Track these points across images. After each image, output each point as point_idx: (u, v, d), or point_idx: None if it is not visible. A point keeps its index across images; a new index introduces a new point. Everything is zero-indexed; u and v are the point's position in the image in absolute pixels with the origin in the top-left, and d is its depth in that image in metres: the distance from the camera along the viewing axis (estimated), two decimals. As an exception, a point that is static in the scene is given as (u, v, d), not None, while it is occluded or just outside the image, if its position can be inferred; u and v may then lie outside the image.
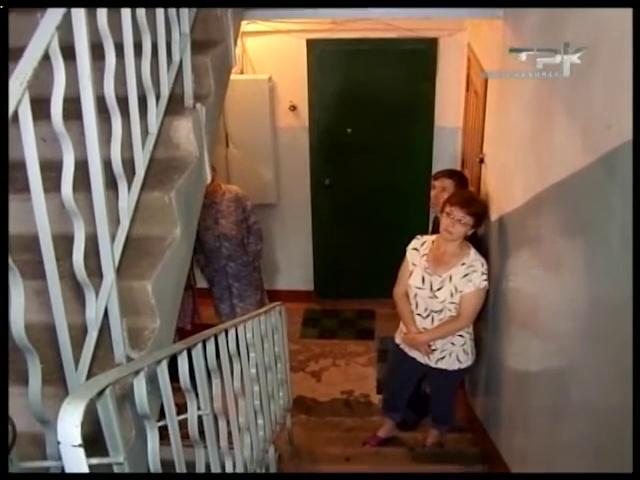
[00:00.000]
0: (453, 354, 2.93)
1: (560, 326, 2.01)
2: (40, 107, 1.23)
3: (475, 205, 2.78)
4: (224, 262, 3.96)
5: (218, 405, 1.87)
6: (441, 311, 2.82)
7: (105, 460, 1.15)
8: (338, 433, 3.79)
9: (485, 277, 2.74)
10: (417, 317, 2.89)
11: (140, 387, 1.25)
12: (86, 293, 1.41)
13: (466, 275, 2.74)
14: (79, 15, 1.25)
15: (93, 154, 1.37)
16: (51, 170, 1.36)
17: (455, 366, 2.96)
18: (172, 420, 1.46)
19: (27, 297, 1.17)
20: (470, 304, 2.77)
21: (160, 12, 1.81)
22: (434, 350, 2.93)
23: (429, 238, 2.91)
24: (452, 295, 2.77)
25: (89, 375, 1.42)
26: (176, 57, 1.97)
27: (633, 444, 1.21)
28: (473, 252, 2.79)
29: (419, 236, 2.94)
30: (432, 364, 2.98)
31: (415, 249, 2.89)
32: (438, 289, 2.79)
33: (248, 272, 4.06)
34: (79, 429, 0.92)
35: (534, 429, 2.36)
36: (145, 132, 1.75)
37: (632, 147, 1.30)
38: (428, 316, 2.86)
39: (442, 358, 2.95)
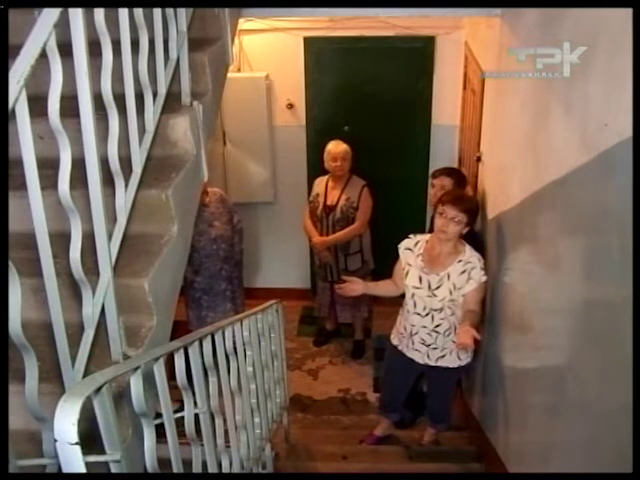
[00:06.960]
0: (454, 352, 2.93)
1: (557, 324, 2.02)
2: (37, 105, 1.23)
3: (466, 202, 2.78)
4: (219, 265, 3.86)
5: (215, 403, 1.87)
6: (441, 310, 2.82)
7: (102, 458, 1.15)
8: (335, 431, 3.80)
9: (484, 272, 2.74)
10: (416, 316, 2.88)
11: (137, 385, 1.25)
12: (83, 291, 1.41)
13: (464, 272, 2.74)
14: (76, 12, 1.25)
15: (90, 152, 1.36)
16: (48, 168, 1.36)
17: (455, 364, 2.97)
18: (169, 418, 1.46)
19: (24, 295, 1.17)
20: (476, 300, 2.77)
21: (157, 9, 1.81)
22: (435, 348, 2.93)
23: (423, 238, 2.90)
24: (451, 293, 2.76)
25: (86, 373, 1.42)
26: (173, 54, 1.96)
27: (633, 444, 1.21)
28: (468, 249, 2.79)
29: (411, 235, 2.93)
30: (432, 363, 2.97)
31: (409, 249, 2.88)
32: (437, 287, 2.79)
33: (239, 272, 4.05)
34: (76, 427, 0.92)
35: (531, 427, 2.36)
36: (142, 130, 1.75)
37: (632, 145, 1.30)
38: (427, 314, 2.85)
39: (443, 356, 2.95)
